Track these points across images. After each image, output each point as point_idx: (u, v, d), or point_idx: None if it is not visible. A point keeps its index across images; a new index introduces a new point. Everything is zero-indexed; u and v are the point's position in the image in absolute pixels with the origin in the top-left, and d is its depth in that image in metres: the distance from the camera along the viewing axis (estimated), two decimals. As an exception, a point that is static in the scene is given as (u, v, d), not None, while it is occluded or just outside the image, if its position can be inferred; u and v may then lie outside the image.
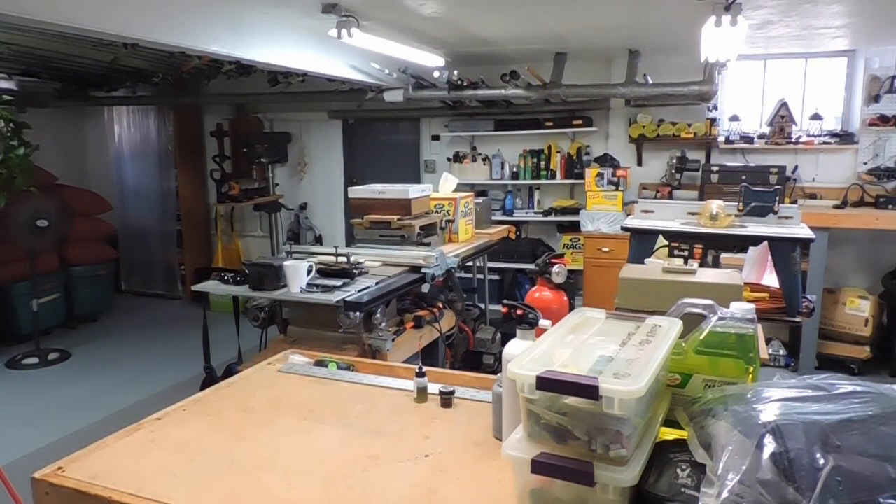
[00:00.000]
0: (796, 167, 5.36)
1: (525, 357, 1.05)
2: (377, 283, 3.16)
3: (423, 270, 3.47)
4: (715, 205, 3.09)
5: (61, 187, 6.47)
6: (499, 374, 1.37)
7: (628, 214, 4.88)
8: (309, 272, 3.12)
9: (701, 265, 2.87)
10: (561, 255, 3.61)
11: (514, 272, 6.16)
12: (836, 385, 0.98)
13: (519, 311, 1.48)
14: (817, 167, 5.38)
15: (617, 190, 5.54)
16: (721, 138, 5.54)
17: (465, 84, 5.55)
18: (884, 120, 5.12)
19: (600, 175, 5.57)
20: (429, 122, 6.67)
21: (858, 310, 4.95)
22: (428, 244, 3.85)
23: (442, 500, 1.17)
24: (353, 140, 7.10)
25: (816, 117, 5.37)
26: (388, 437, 1.41)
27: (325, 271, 3.24)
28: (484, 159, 6.28)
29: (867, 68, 5.18)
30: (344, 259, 3.31)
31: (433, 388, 1.59)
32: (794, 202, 5.04)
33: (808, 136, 5.38)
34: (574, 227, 5.86)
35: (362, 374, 1.81)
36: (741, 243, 3.08)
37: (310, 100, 6.38)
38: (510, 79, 5.45)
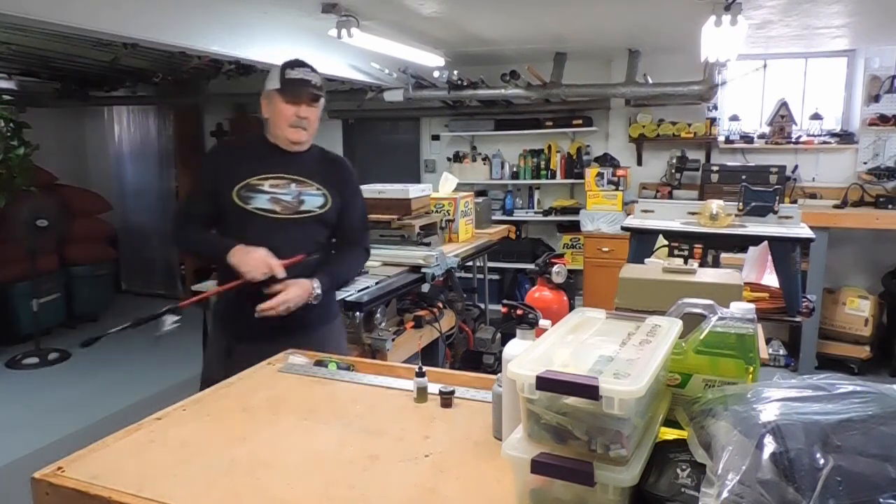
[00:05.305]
0: (796, 167, 5.36)
1: (525, 357, 1.05)
2: (377, 283, 3.16)
3: (423, 270, 3.46)
4: (715, 205, 3.09)
5: (61, 187, 6.46)
6: (499, 374, 1.37)
7: (628, 214, 4.87)
8: (309, 272, 3.10)
9: (701, 265, 2.87)
10: (561, 255, 3.60)
11: (514, 272, 6.16)
12: (836, 385, 0.98)
13: (519, 311, 1.47)
14: (817, 167, 5.38)
15: (617, 190, 5.54)
16: (721, 138, 5.54)
17: (465, 84, 5.55)
18: (884, 120, 5.12)
19: (600, 175, 5.57)
20: (429, 121, 6.67)
21: (858, 309, 4.95)
22: (428, 244, 3.84)
23: (442, 500, 1.16)
24: (353, 140, 7.09)
25: (816, 117, 5.38)
26: (388, 437, 1.40)
27: (325, 271, 3.23)
28: (484, 159, 6.28)
29: (867, 68, 5.18)
30: (344, 259, 3.30)
31: (433, 388, 1.59)
32: (794, 202, 5.04)
33: (808, 135, 5.38)
34: (574, 227, 5.86)
35: (362, 374, 1.81)
36: (741, 243, 3.08)
37: (310, 100, 6.38)
38: (510, 79, 5.45)
